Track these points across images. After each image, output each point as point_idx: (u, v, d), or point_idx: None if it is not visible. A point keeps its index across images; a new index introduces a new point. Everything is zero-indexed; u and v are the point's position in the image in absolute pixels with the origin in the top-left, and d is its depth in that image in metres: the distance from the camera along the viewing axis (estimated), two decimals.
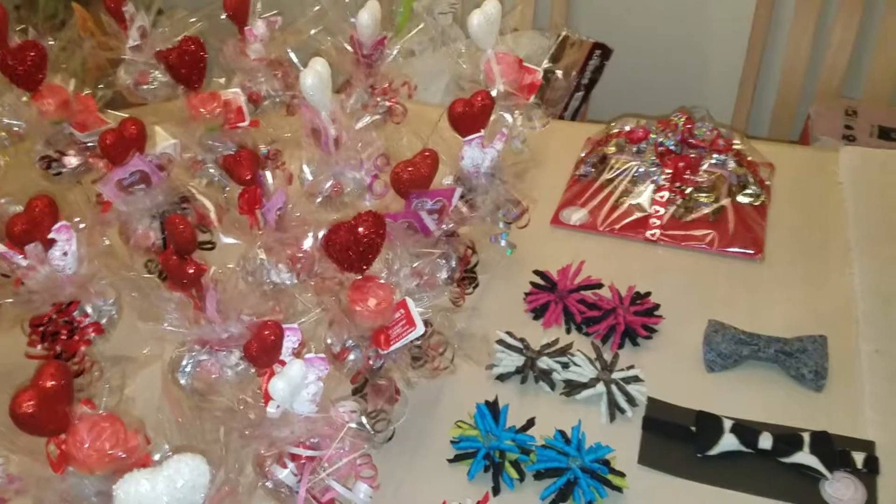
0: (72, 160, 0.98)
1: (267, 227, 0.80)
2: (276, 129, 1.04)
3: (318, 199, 0.92)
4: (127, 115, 0.88)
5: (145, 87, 1.08)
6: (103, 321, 0.79)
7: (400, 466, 0.75)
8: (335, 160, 0.92)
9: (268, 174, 0.80)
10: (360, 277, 0.70)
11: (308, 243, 0.79)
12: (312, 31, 1.02)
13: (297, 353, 0.65)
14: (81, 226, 0.77)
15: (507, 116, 0.91)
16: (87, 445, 0.56)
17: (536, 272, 0.92)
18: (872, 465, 0.73)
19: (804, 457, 0.73)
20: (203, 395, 0.73)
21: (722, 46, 1.73)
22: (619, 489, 0.73)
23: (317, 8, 1.02)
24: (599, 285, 0.90)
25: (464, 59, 0.98)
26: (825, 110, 1.49)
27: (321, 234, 0.79)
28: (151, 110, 1.10)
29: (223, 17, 1.04)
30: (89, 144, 0.98)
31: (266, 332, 0.61)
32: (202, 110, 0.95)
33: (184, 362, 0.73)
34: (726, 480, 0.74)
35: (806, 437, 0.74)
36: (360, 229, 0.67)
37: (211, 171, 0.97)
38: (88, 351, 0.77)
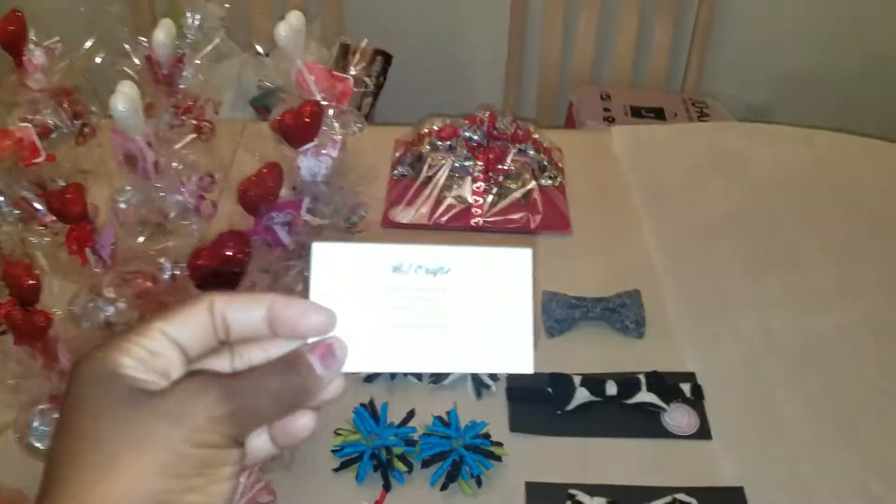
0: None
1: (101, 265, 0.74)
2: (71, 161, 0.96)
3: (140, 229, 0.87)
4: None
5: None
6: None
7: (288, 489, 0.74)
8: (155, 186, 0.87)
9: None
10: None
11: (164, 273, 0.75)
12: (101, 56, 0.95)
13: None
14: None
15: (334, 124, 0.92)
16: None
17: None
18: (697, 392, 0.85)
19: (644, 395, 0.84)
20: None
21: (485, 43, 1.87)
22: (499, 458, 0.78)
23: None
24: None
25: (272, 72, 0.97)
26: (584, 96, 1.68)
27: (165, 263, 0.76)
28: None
29: None
30: None
31: None
32: None
33: (35, 423, 0.66)
34: (586, 429, 0.82)
35: (642, 378, 0.85)
36: (227, 251, 0.65)
37: (4, 211, 0.87)
38: None
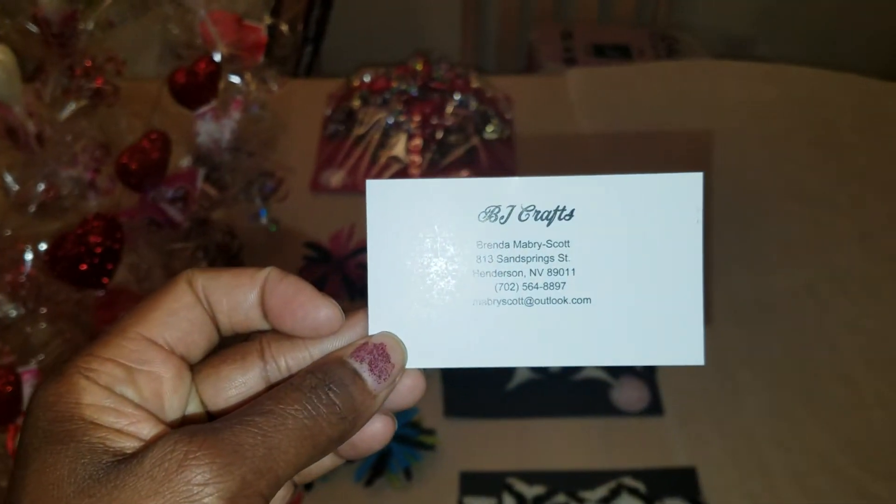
0: None
1: None
2: None
3: (32, 209, 0.78)
4: None
5: None
6: None
7: None
8: (42, 160, 0.78)
9: None
10: (104, 293, 0.60)
11: (29, 263, 0.66)
12: None
13: None
14: None
15: (239, 81, 0.83)
16: None
17: (308, 244, 0.87)
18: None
19: (591, 370, 0.77)
20: None
21: None
22: (431, 447, 0.71)
23: None
24: None
25: (174, 23, 0.87)
26: (543, 36, 1.57)
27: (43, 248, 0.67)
28: None
29: None
30: None
31: None
32: None
33: None
34: (528, 410, 0.76)
35: None
36: (91, 238, 0.57)
37: None
38: None
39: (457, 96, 0.98)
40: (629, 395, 0.76)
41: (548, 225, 0.27)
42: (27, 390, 0.53)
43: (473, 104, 0.99)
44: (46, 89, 0.86)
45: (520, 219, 0.27)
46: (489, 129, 0.99)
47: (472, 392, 0.77)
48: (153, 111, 0.73)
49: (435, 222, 0.27)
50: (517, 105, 1.08)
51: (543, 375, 0.77)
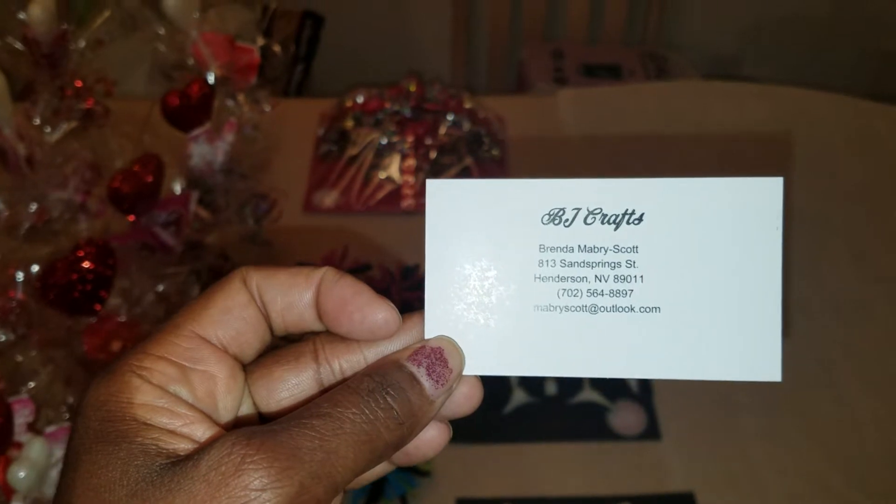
0: None
1: None
2: None
3: (22, 232, 0.77)
4: None
5: None
6: None
7: None
8: (32, 182, 0.77)
9: None
10: (96, 319, 0.59)
11: (20, 288, 0.65)
12: None
13: (34, 428, 0.54)
14: None
15: (232, 103, 0.82)
16: None
17: (300, 265, 0.86)
18: (646, 387, 0.78)
19: (587, 394, 0.77)
20: None
21: (429, 2, 1.75)
22: (427, 473, 0.71)
23: None
24: (368, 266, 0.87)
25: (164, 43, 0.87)
26: (534, 56, 1.57)
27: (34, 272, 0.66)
28: None
29: None
30: None
31: None
32: None
33: None
34: (524, 434, 0.75)
35: None
36: (83, 264, 0.56)
37: None
38: None
39: (450, 117, 0.98)
40: (626, 418, 0.76)
41: (615, 229, 0.26)
42: (19, 420, 0.52)
43: (466, 125, 0.99)
44: (36, 110, 0.86)
45: (585, 222, 0.26)
46: (482, 149, 0.99)
47: (469, 416, 0.76)
48: (143, 132, 0.72)
49: (496, 224, 0.26)
50: (509, 125, 1.08)
51: (540, 399, 0.76)
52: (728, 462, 0.73)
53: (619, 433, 0.75)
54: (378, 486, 0.69)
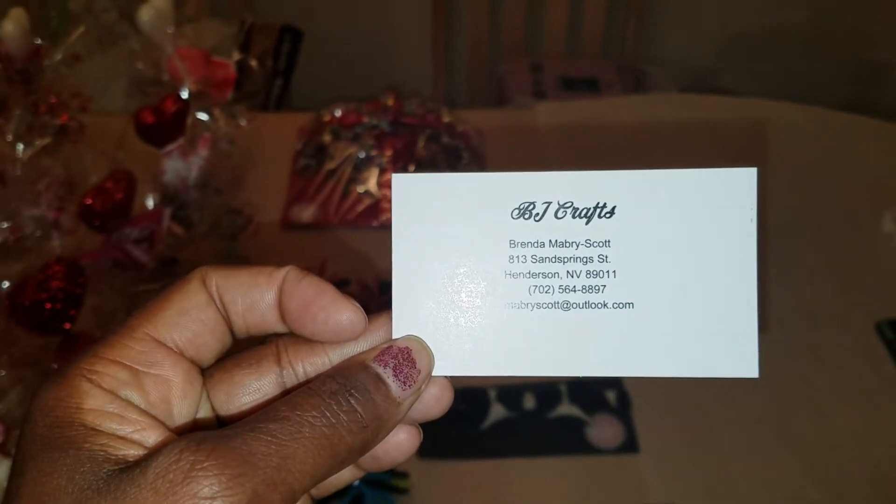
0: None
1: None
2: None
3: None
4: None
5: None
6: None
7: None
8: (5, 199, 0.76)
9: None
10: (66, 338, 0.58)
11: None
12: None
13: (4, 449, 0.53)
14: None
15: (207, 118, 0.82)
16: None
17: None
18: (624, 400, 0.78)
19: (565, 408, 0.77)
20: None
21: (408, 16, 1.75)
22: (405, 491, 0.70)
23: None
24: (347, 282, 0.86)
25: (140, 59, 0.86)
26: (513, 69, 1.58)
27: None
28: None
29: None
30: None
31: None
32: None
33: None
34: (503, 450, 0.75)
35: (563, 388, 0.77)
36: (52, 283, 0.55)
37: None
38: None
39: (428, 131, 0.98)
40: (604, 432, 0.76)
41: (587, 223, 0.25)
42: None
43: (445, 139, 0.99)
44: (10, 126, 0.85)
45: (556, 216, 0.25)
46: (462, 163, 0.99)
47: (446, 432, 0.76)
48: (118, 148, 0.72)
49: (465, 219, 0.25)
50: (488, 139, 1.09)
51: (518, 413, 0.76)
52: (706, 475, 0.73)
53: (598, 447, 0.75)
54: (356, 503, 0.68)
